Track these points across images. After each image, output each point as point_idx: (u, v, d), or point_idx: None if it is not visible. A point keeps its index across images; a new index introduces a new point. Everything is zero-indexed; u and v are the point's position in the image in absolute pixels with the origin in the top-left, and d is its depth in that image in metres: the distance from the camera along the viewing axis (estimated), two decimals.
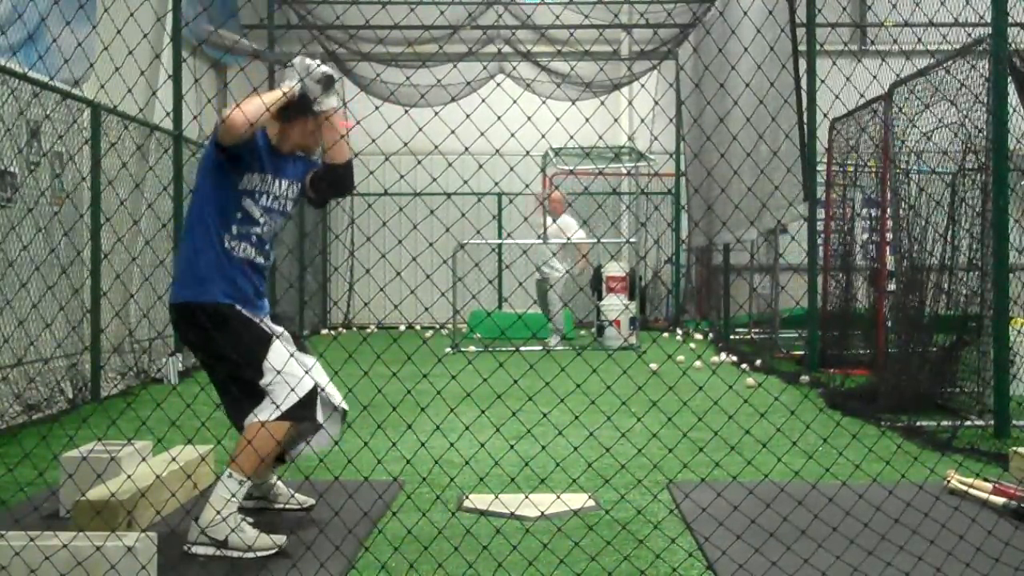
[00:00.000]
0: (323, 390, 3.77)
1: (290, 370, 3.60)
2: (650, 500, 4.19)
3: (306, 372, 3.63)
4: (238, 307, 3.69)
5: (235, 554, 3.49)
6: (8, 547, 2.96)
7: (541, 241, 12.53)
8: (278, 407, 3.56)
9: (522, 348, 10.78)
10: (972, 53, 6.15)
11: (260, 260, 3.80)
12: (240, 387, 3.65)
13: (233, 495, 3.53)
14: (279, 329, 3.83)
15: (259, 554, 3.50)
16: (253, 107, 3.52)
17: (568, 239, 11.92)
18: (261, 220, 3.78)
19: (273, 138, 3.82)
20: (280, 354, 3.65)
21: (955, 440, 5.51)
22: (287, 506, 4.13)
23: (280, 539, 3.57)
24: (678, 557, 3.46)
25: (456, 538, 3.53)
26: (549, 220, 12.49)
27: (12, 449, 5.28)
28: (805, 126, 8.76)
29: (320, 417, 3.73)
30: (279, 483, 4.16)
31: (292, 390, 3.57)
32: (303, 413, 3.63)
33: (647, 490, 4.34)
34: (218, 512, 3.50)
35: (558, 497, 4.21)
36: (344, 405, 3.89)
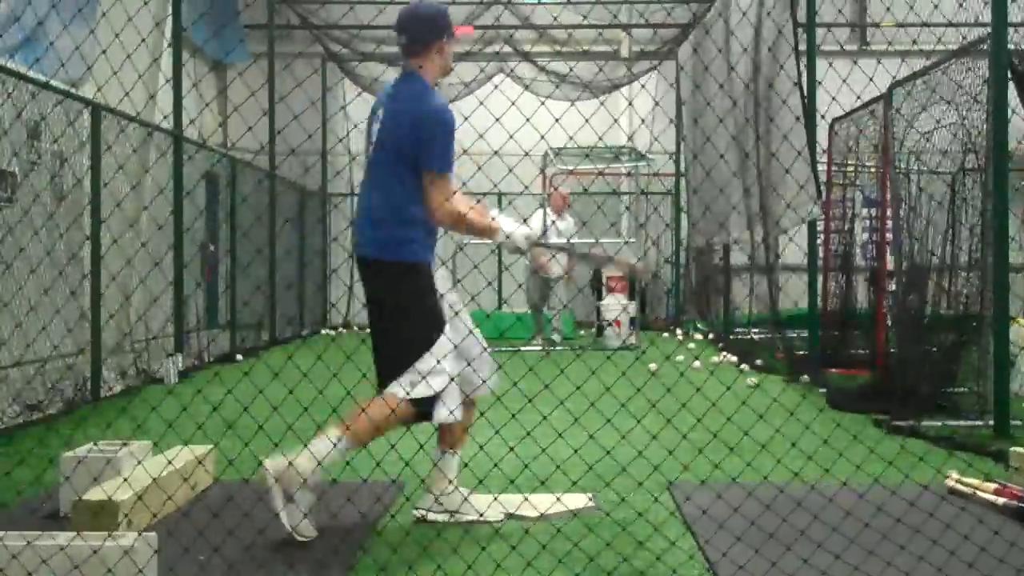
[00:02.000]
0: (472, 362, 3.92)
1: (442, 364, 3.70)
2: (650, 502, 4.18)
3: (452, 379, 3.74)
4: (432, 268, 3.83)
5: (282, 516, 3.54)
6: (6, 548, 2.95)
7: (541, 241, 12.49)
8: (410, 390, 3.67)
9: (522, 349, 10.78)
10: (971, 53, 6.15)
11: None
12: (396, 356, 3.74)
13: (332, 457, 3.62)
14: (452, 299, 3.92)
15: (296, 536, 3.55)
16: (466, 222, 3.80)
17: (567, 243, 11.93)
18: None
19: (431, 83, 3.90)
20: (444, 347, 3.74)
21: (956, 440, 5.51)
22: (471, 516, 4.08)
23: (312, 532, 3.63)
24: (678, 559, 3.45)
25: (455, 540, 3.52)
26: (552, 217, 12.50)
27: (10, 450, 5.27)
28: (802, 126, 8.75)
29: (443, 414, 3.77)
30: (465, 491, 4.14)
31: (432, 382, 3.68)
32: (425, 408, 3.72)
33: (647, 491, 4.33)
34: (320, 463, 3.57)
35: (558, 499, 4.20)
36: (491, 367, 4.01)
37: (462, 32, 3.92)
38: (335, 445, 3.62)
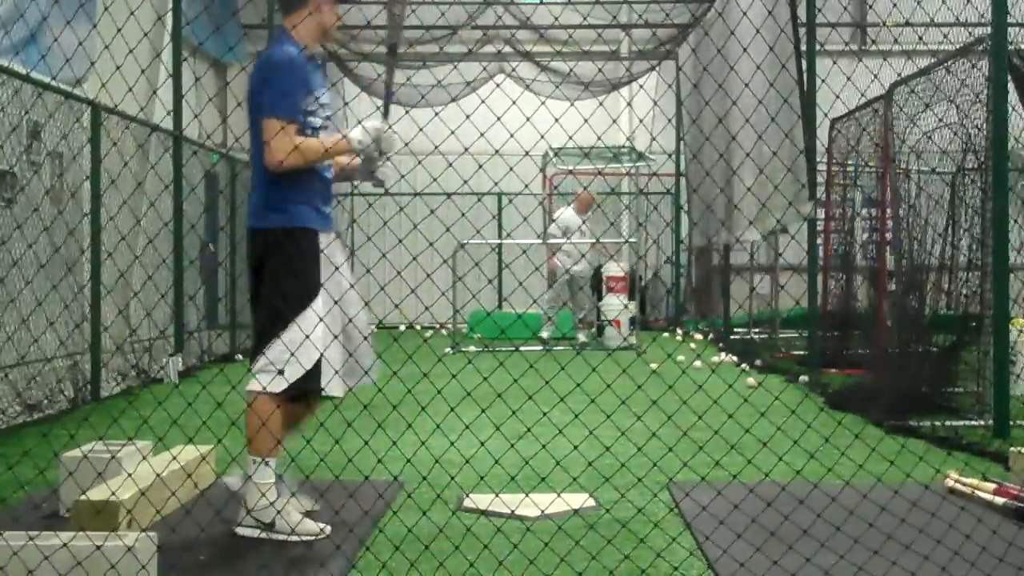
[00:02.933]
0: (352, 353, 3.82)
1: (310, 341, 3.58)
2: (650, 499, 4.19)
3: (321, 352, 3.62)
4: (313, 236, 3.72)
5: (280, 537, 3.59)
6: (8, 547, 2.96)
7: (540, 241, 12.62)
8: (283, 375, 3.58)
9: (522, 348, 10.78)
10: (972, 53, 6.15)
11: (328, 174, 3.88)
12: (264, 324, 3.68)
13: (266, 477, 3.61)
14: (339, 248, 3.85)
15: (304, 538, 3.59)
16: (310, 156, 3.64)
17: (597, 240, 12.18)
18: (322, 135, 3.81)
19: (310, 44, 3.83)
20: (310, 321, 3.62)
21: (955, 440, 5.51)
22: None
23: (324, 527, 3.66)
24: (678, 556, 3.46)
25: (456, 538, 3.53)
26: (572, 215, 12.61)
27: (13, 448, 5.27)
28: (806, 126, 8.76)
29: (331, 384, 3.70)
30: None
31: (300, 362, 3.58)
32: (304, 386, 3.64)
33: (647, 489, 4.33)
34: (263, 495, 3.58)
35: (558, 496, 4.21)
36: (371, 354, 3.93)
37: None
38: (259, 467, 3.61)
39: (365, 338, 3.89)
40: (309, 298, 3.66)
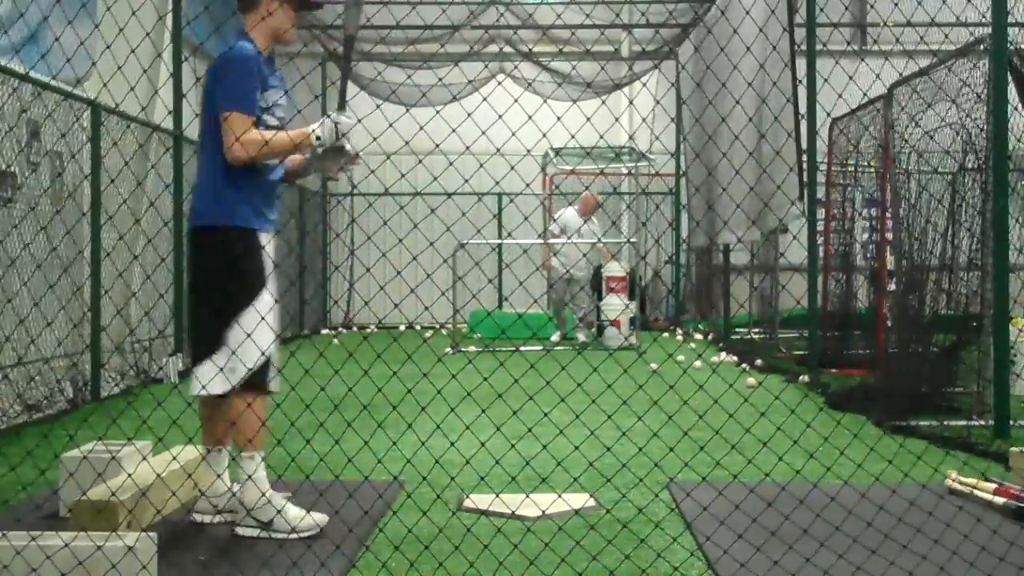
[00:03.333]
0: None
1: (255, 338, 3.62)
2: (651, 499, 4.19)
3: (263, 350, 3.66)
4: (254, 234, 3.73)
5: (280, 535, 3.61)
6: (9, 546, 2.96)
7: (541, 241, 12.63)
8: (230, 377, 3.62)
9: (522, 348, 10.78)
10: (973, 53, 6.15)
11: (274, 176, 3.89)
12: (205, 326, 3.72)
13: (260, 472, 3.66)
14: (277, 247, 3.88)
15: (303, 535, 3.61)
16: (276, 146, 3.65)
17: (599, 239, 12.24)
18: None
19: (263, 46, 3.83)
20: (251, 319, 3.65)
21: (955, 440, 5.51)
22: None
23: (322, 518, 3.69)
24: (679, 556, 3.46)
25: (457, 538, 3.53)
26: (574, 214, 12.66)
27: (13, 448, 5.28)
28: (803, 125, 8.76)
29: (273, 381, 3.80)
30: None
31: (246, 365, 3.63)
32: (256, 381, 3.68)
33: (648, 489, 4.33)
34: (263, 493, 3.62)
35: (559, 496, 4.21)
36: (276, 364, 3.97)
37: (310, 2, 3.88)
38: (243, 463, 3.65)
39: (272, 341, 3.93)
40: (253, 295, 3.70)
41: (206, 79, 3.76)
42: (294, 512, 3.68)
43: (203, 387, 3.65)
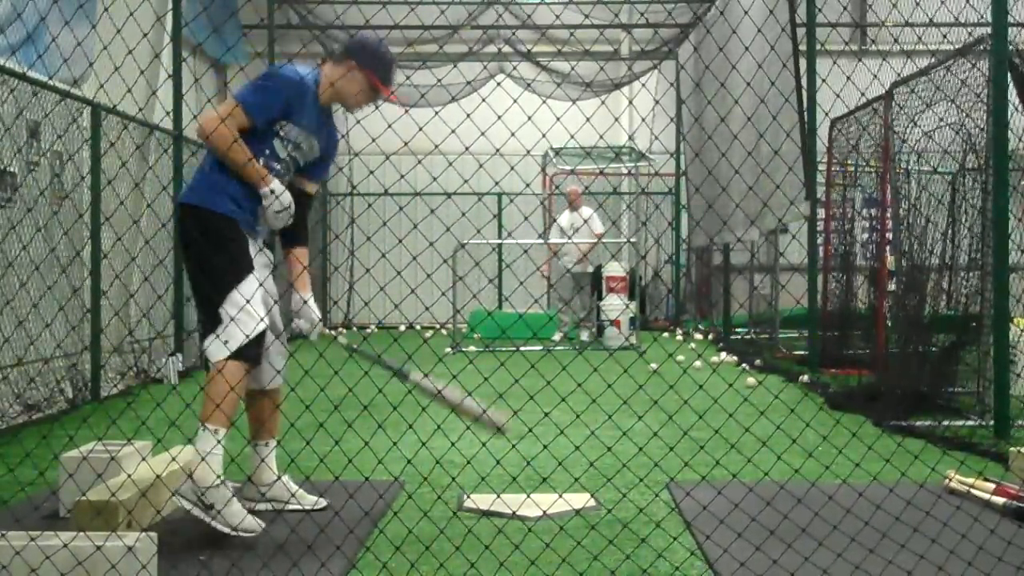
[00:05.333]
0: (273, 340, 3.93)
1: (251, 308, 3.68)
2: (651, 499, 4.19)
3: (261, 318, 3.70)
4: (240, 225, 3.79)
5: (217, 526, 3.55)
6: (8, 547, 2.95)
7: (541, 241, 12.66)
8: (227, 344, 3.64)
9: (522, 348, 10.78)
10: (972, 53, 6.15)
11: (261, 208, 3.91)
12: (203, 304, 3.77)
13: (218, 448, 3.63)
14: (264, 259, 3.94)
15: (242, 534, 3.56)
16: (236, 153, 3.71)
17: (599, 238, 12.31)
18: (280, 167, 3.89)
19: (325, 95, 3.94)
20: (248, 288, 3.71)
21: (955, 440, 5.51)
22: (297, 507, 4.12)
23: (260, 523, 3.62)
24: (679, 556, 3.46)
25: (457, 538, 3.53)
26: (566, 216, 12.75)
27: (12, 449, 5.27)
28: (805, 126, 8.76)
29: (266, 361, 3.86)
30: (289, 481, 4.15)
31: (242, 330, 3.65)
32: (249, 352, 3.69)
33: (648, 489, 4.33)
34: (217, 477, 3.57)
35: (559, 497, 4.21)
36: (285, 346, 4.08)
37: (384, 93, 3.97)
38: (202, 435, 3.62)
39: (278, 336, 4.02)
40: (243, 270, 3.74)
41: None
42: (237, 508, 3.61)
43: (206, 352, 3.71)
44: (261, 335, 3.73)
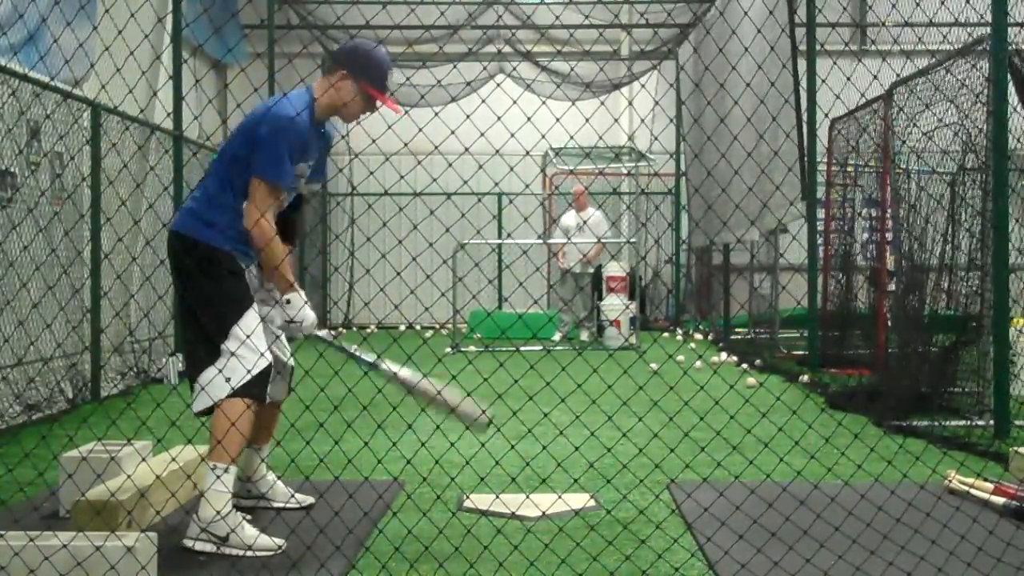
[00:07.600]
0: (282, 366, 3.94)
1: (253, 343, 3.61)
2: (651, 500, 4.19)
3: (262, 353, 3.63)
4: (237, 258, 3.73)
5: (235, 552, 3.49)
6: (8, 547, 2.96)
7: (541, 241, 12.69)
8: (229, 381, 3.56)
9: (522, 348, 10.78)
10: (972, 53, 6.15)
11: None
12: (200, 337, 3.67)
13: (224, 487, 3.53)
14: (264, 295, 3.89)
15: (259, 554, 3.50)
16: (273, 255, 3.68)
17: (601, 239, 12.37)
18: (282, 197, 3.84)
19: (321, 111, 3.85)
20: (250, 323, 3.65)
21: (955, 440, 5.51)
22: (286, 505, 4.13)
23: (280, 541, 3.57)
24: (679, 557, 3.46)
25: (457, 538, 3.53)
26: (572, 215, 12.80)
27: (12, 449, 5.28)
28: (804, 126, 8.77)
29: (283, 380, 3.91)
30: (278, 482, 4.17)
31: (247, 369, 3.59)
32: (255, 391, 3.61)
33: (648, 490, 4.33)
34: (217, 513, 3.49)
35: (559, 497, 4.21)
36: (291, 362, 4.06)
37: (380, 100, 3.87)
38: (217, 476, 3.52)
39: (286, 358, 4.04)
40: (244, 306, 3.68)
41: (247, 118, 3.76)
42: (251, 530, 3.55)
43: (202, 389, 3.59)
44: (266, 372, 3.64)
